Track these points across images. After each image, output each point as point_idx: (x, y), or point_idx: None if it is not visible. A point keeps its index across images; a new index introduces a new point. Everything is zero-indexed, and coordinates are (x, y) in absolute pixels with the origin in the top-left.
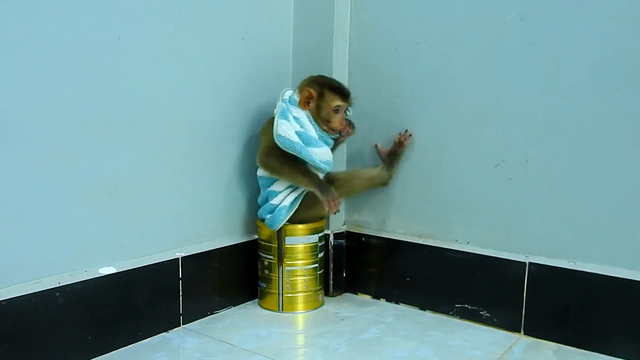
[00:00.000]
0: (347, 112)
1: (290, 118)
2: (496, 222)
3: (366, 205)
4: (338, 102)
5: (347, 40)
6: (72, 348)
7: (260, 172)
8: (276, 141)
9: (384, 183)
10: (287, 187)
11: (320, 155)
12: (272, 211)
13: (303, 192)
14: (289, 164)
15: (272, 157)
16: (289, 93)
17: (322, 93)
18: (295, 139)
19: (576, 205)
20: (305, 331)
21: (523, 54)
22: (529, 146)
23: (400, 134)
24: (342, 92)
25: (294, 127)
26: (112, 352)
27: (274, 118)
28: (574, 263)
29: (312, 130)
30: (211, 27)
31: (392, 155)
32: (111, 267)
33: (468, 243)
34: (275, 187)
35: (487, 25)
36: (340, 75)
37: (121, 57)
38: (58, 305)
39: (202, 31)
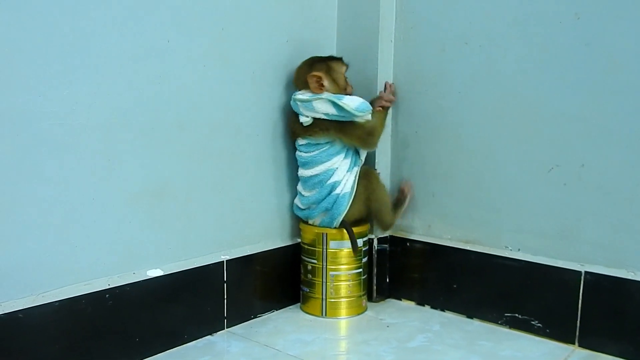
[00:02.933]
0: None
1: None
2: (549, 228)
3: (411, 209)
4: (344, 67)
5: (393, 41)
6: (119, 349)
7: (312, 172)
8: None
9: (385, 227)
10: (347, 171)
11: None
12: (329, 208)
13: (356, 175)
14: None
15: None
16: (300, 92)
17: (329, 67)
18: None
19: (635, 211)
20: (349, 337)
21: (578, 54)
22: (585, 150)
23: (402, 182)
24: (341, 59)
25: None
26: (159, 354)
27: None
28: (634, 273)
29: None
30: (256, 29)
31: (397, 203)
32: (158, 270)
33: (519, 250)
34: (333, 178)
35: (541, 25)
36: (385, 76)
37: (169, 60)
38: (107, 307)
39: (247, 34)
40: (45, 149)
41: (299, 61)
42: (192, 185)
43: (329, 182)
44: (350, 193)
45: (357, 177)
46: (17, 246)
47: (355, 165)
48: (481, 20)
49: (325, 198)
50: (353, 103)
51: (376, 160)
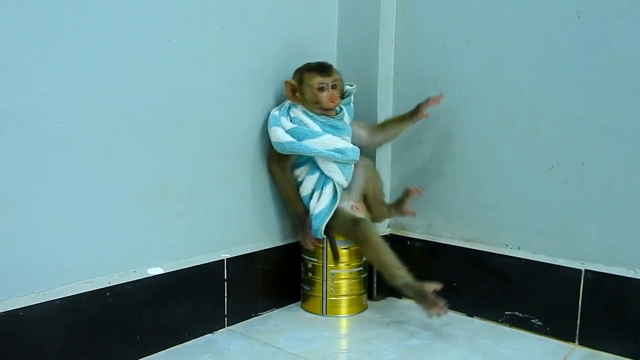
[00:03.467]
0: (346, 87)
1: (284, 121)
2: (550, 227)
3: (411, 208)
4: (318, 79)
5: (393, 40)
6: (120, 347)
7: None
8: (275, 149)
9: (376, 219)
10: (313, 189)
11: (323, 144)
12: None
13: (334, 189)
14: (282, 184)
15: (272, 168)
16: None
17: (302, 77)
18: (287, 138)
19: (636, 210)
20: (350, 335)
21: (579, 53)
22: (585, 148)
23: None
24: (320, 69)
25: (286, 127)
26: (159, 352)
27: None
28: (634, 271)
29: (310, 123)
30: (257, 28)
31: (397, 203)
32: (159, 268)
33: (519, 248)
34: (301, 191)
35: (542, 24)
36: (386, 75)
37: (170, 59)
38: (108, 304)
39: (248, 33)
40: (47, 147)
41: (299, 60)
42: (193, 184)
43: (304, 195)
44: (327, 209)
45: (335, 193)
46: (19, 244)
47: (326, 184)
48: (482, 19)
49: (307, 209)
50: (271, 137)
51: (377, 160)
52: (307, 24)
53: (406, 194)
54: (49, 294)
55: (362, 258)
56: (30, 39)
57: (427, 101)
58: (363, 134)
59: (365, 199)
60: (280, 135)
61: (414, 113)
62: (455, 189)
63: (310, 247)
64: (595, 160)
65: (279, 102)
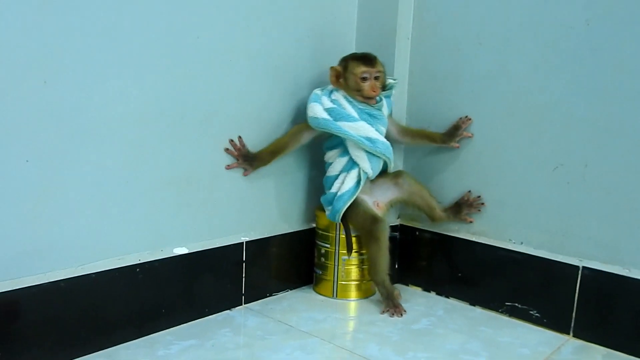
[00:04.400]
0: (389, 80)
1: (324, 99)
2: (552, 224)
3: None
4: (362, 69)
5: (409, 38)
6: (147, 319)
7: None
8: (309, 124)
9: (433, 219)
10: (340, 171)
11: (356, 129)
12: (331, 201)
13: (359, 175)
14: (283, 140)
15: (291, 129)
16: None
17: (347, 65)
18: (323, 115)
19: (635, 212)
20: (358, 318)
21: (586, 59)
22: (588, 151)
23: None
24: (365, 59)
25: (325, 105)
26: (182, 325)
27: None
28: (629, 270)
29: (348, 107)
30: (279, 25)
31: (456, 206)
32: (184, 248)
33: (522, 243)
34: (329, 171)
35: (552, 29)
36: (401, 73)
37: (198, 55)
38: (138, 280)
39: (270, 30)
40: (85, 138)
41: (319, 55)
42: (216, 173)
43: (331, 175)
44: (351, 193)
45: (359, 180)
46: (60, 224)
47: (352, 168)
48: (495, 22)
49: (329, 191)
50: (309, 111)
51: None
52: (327, 22)
53: (463, 204)
54: (85, 268)
55: None
56: (70, 40)
57: (460, 133)
58: (393, 130)
59: (419, 208)
60: (317, 111)
61: (445, 139)
62: (463, 185)
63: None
64: (598, 163)
65: (299, 96)
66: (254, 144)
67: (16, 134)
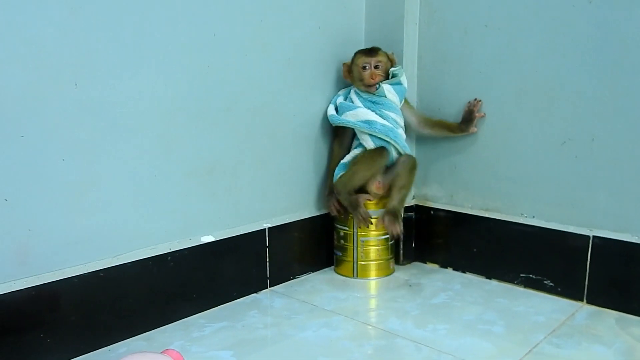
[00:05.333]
0: (392, 68)
1: (339, 98)
2: (562, 197)
3: (435, 180)
4: (363, 59)
5: (417, 24)
6: (182, 304)
7: None
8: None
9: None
10: (353, 149)
11: (355, 115)
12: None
13: (357, 154)
14: (332, 156)
15: (333, 142)
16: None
17: (353, 59)
18: (332, 112)
19: None
20: (379, 295)
21: (591, 36)
22: (595, 125)
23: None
24: (366, 51)
25: (336, 104)
26: (213, 308)
27: None
28: (638, 237)
29: (355, 100)
30: (291, 19)
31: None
32: (210, 236)
33: (533, 217)
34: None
35: (555, 8)
36: (410, 58)
37: (215, 51)
38: (169, 267)
39: (283, 23)
40: (116, 132)
41: (330, 46)
42: (238, 163)
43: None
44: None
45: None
46: (96, 216)
47: (359, 147)
48: (500, 4)
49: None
50: (330, 110)
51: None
52: (337, 12)
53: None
54: (121, 258)
55: None
56: (99, 43)
57: (475, 117)
58: (414, 120)
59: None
60: (330, 109)
61: (463, 128)
62: (475, 163)
63: (334, 212)
64: (604, 136)
65: (312, 86)
66: (271, 133)
67: (51, 135)
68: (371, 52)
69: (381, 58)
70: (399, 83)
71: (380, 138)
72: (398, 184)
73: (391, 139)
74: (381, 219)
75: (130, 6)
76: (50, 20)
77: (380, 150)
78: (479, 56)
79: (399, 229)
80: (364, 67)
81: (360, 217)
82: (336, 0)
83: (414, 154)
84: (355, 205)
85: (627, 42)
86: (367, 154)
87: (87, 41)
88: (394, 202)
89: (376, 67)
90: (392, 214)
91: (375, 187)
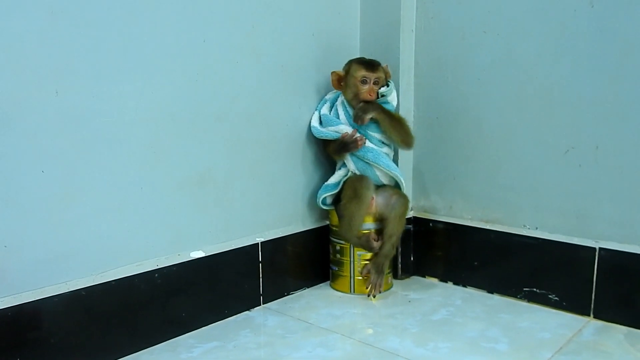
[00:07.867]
0: (387, 85)
1: (325, 107)
2: (565, 207)
3: (433, 191)
4: (363, 72)
5: (414, 30)
6: (169, 323)
7: None
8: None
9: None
10: (337, 169)
11: (336, 131)
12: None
13: (346, 176)
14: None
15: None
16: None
17: (349, 69)
18: (314, 123)
19: None
20: (377, 311)
21: (593, 41)
22: (599, 133)
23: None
24: (367, 64)
25: (323, 112)
26: (203, 327)
27: None
28: None
29: (340, 112)
30: (284, 24)
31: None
32: (200, 252)
33: (536, 228)
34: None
35: (556, 13)
36: (407, 65)
37: (205, 58)
38: (156, 284)
39: (276, 29)
40: (100, 143)
41: (324, 52)
42: (229, 173)
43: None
44: (332, 187)
45: (344, 177)
46: (78, 231)
47: (342, 167)
48: (499, 9)
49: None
50: (313, 121)
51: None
52: (331, 18)
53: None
54: (105, 276)
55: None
56: (80, 49)
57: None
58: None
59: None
60: (313, 120)
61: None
62: (474, 173)
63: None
64: (608, 144)
65: (305, 93)
66: (264, 142)
67: (29, 145)
68: (373, 66)
69: (380, 74)
70: (387, 102)
71: (360, 159)
72: (387, 232)
73: (372, 162)
74: (366, 270)
75: (115, 10)
76: (29, 25)
77: (362, 181)
78: (477, 62)
79: (379, 289)
80: (364, 81)
81: (380, 253)
82: (330, 6)
83: (411, 162)
84: (369, 247)
85: (630, 47)
86: (351, 192)
87: (68, 46)
88: (384, 249)
89: (375, 82)
90: (378, 266)
91: (372, 208)
